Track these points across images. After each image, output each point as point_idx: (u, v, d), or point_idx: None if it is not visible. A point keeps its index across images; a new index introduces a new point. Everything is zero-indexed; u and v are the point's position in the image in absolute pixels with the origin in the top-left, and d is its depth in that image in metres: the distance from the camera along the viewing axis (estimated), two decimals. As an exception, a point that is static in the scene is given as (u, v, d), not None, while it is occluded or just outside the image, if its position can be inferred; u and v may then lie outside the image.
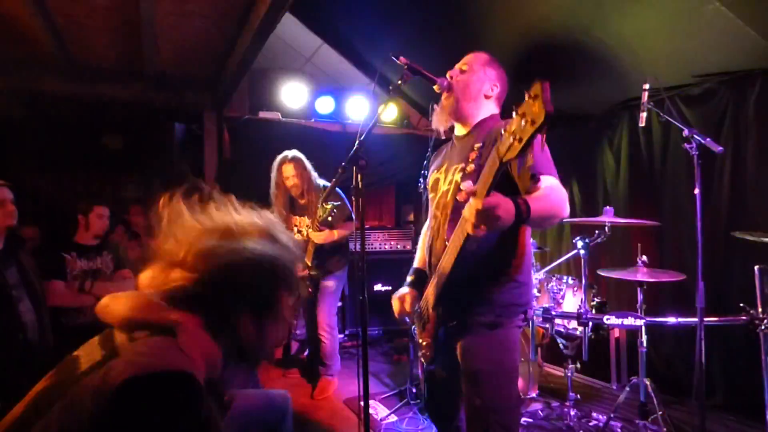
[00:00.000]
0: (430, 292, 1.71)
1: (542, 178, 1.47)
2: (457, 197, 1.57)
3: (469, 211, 1.23)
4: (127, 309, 1.03)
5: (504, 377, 1.59)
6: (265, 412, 1.70)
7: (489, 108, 1.76)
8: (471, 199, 1.24)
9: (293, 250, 1.17)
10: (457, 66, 1.77)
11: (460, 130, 1.81)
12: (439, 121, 1.79)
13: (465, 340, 1.63)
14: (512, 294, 1.63)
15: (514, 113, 1.08)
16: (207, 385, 0.99)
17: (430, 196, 1.84)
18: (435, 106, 1.82)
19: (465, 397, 1.63)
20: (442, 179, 1.77)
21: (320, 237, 3.24)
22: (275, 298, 1.10)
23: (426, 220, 2.03)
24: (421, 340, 1.84)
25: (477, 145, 1.63)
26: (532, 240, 3.37)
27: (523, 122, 1.04)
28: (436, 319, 1.69)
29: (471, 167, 1.59)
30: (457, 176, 1.65)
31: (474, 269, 1.59)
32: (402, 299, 1.83)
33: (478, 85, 1.73)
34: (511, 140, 1.09)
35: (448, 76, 1.75)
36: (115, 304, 1.06)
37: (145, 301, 1.05)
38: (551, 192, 1.46)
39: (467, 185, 1.27)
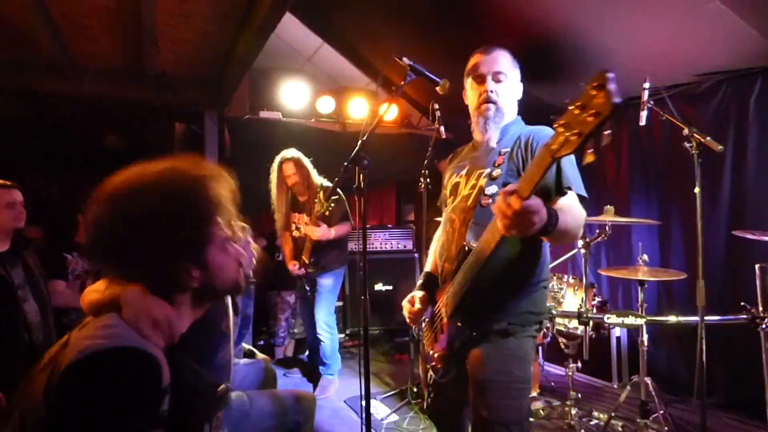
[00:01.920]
0: (446, 300, 1.61)
1: (569, 193, 1.41)
2: (481, 202, 1.53)
3: (504, 211, 1.13)
4: (90, 296, 1.02)
5: (513, 389, 1.51)
6: (290, 411, 1.70)
7: (514, 110, 1.70)
8: (508, 198, 1.13)
9: (204, 171, 1.04)
10: (490, 74, 1.63)
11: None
12: (491, 137, 1.65)
13: (476, 348, 1.55)
14: (528, 301, 1.56)
15: (569, 107, 0.99)
16: (171, 350, 0.97)
17: (448, 200, 1.75)
18: (435, 104, 1.81)
19: (472, 407, 1.55)
20: (463, 183, 1.68)
21: (317, 232, 3.26)
22: (200, 228, 1.00)
23: (424, 221, 2.03)
24: (431, 351, 1.75)
25: (504, 150, 1.57)
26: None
27: (583, 115, 0.95)
28: (455, 330, 1.60)
29: (498, 172, 1.54)
30: (482, 181, 1.58)
31: (497, 276, 1.51)
32: (412, 302, 1.77)
33: (515, 91, 1.68)
34: (567, 134, 0.99)
35: (487, 89, 1.62)
36: (87, 294, 1.05)
37: (100, 285, 1.02)
38: (576, 210, 1.39)
39: (510, 187, 1.16)
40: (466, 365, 1.58)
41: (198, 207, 1.00)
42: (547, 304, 2.64)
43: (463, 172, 1.70)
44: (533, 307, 1.57)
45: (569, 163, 1.43)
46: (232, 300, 1.66)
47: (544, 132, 1.53)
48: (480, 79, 1.64)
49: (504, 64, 1.65)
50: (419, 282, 1.86)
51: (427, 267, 1.90)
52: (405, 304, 1.81)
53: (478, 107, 1.65)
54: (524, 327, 1.55)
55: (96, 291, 1.02)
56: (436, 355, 1.72)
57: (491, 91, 1.62)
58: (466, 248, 1.50)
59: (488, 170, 1.57)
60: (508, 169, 1.53)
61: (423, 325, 1.84)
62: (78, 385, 0.84)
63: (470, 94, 1.70)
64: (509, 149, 1.56)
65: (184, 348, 1.03)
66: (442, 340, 1.67)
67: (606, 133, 0.96)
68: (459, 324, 1.57)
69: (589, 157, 1.03)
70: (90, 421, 0.83)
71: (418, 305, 1.75)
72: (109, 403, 0.83)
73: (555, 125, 1.03)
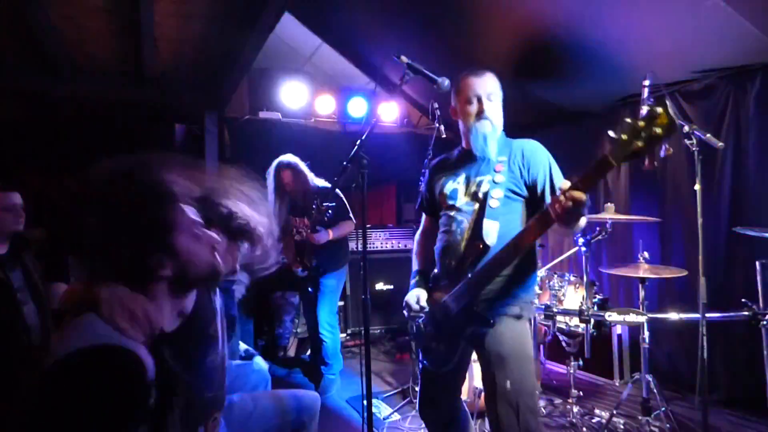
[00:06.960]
0: (459, 292, 1.72)
1: None
2: (490, 204, 1.73)
3: (565, 204, 1.35)
4: (67, 296, 1.04)
5: (528, 363, 1.72)
6: (294, 411, 1.70)
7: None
8: (572, 192, 1.34)
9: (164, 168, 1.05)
10: (482, 93, 1.80)
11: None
12: (493, 150, 1.81)
13: (493, 330, 1.69)
14: (530, 290, 1.82)
15: (628, 121, 1.24)
16: (154, 343, 0.97)
17: (446, 203, 1.87)
18: (435, 103, 1.85)
19: (489, 381, 1.70)
20: (463, 189, 1.84)
21: (316, 239, 3.30)
22: (161, 215, 1.00)
23: (421, 224, 2.08)
24: (433, 343, 1.83)
25: (501, 158, 1.78)
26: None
27: (652, 129, 1.21)
28: (468, 320, 1.71)
29: (500, 177, 1.75)
30: (486, 186, 1.77)
31: (512, 268, 1.72)
32: (417, 300, 1.88)
33: (501, 109, 1.86)
34: (633, 144, 1.24)
35: (485, 109, 1.78)
36: (65, 294, 1.06)
37: (77, 286, 1.03)
38: None
39: (565, 184, 1.39)
40: (479, 346, 1.74)
41: (157, 195, 1.01)
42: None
43: (460, 178, 1.86)
44: (533, 296, 1.85)
45: (557, 171, 1.74)
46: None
47: (531, 144, 1.81)
48: (477, 100, 1.79)
49: (493, 85, 1.83)
50: (416, 279, 1.95)
51: (418, 266, 2.00)
52: (409, 301, 1.89)
53: (478, 123, 1.79)
54: (528, 312, 1.80)
55: (73, 291, 1.02)
56: (442, 347, 1.81)
57: (483, 110, 1.79)
58: (481, 246, 1.68)
59: (490, 176, 1.77)
60: (510, 176, 1.75)
61: (420, 321, 1.89)
62: (58, 387, 0.84)
63: (465, 110, 1.82)
64: (506, 158, 1.78)
65: (170, 343, 1.02)
66: (450, 330, 1.77)
67: (666, 147, 1.27)
68: (476, 311, 1.70)
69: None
70: (73, 422, 0.83)
71: (423, 305, 1.87)
72: (90, 402, 0.83)
73: (617, 136, 1.27)
